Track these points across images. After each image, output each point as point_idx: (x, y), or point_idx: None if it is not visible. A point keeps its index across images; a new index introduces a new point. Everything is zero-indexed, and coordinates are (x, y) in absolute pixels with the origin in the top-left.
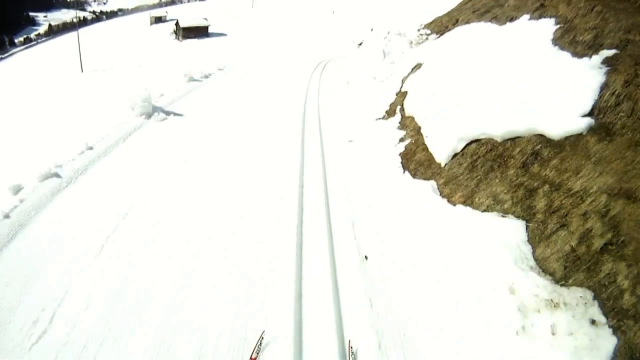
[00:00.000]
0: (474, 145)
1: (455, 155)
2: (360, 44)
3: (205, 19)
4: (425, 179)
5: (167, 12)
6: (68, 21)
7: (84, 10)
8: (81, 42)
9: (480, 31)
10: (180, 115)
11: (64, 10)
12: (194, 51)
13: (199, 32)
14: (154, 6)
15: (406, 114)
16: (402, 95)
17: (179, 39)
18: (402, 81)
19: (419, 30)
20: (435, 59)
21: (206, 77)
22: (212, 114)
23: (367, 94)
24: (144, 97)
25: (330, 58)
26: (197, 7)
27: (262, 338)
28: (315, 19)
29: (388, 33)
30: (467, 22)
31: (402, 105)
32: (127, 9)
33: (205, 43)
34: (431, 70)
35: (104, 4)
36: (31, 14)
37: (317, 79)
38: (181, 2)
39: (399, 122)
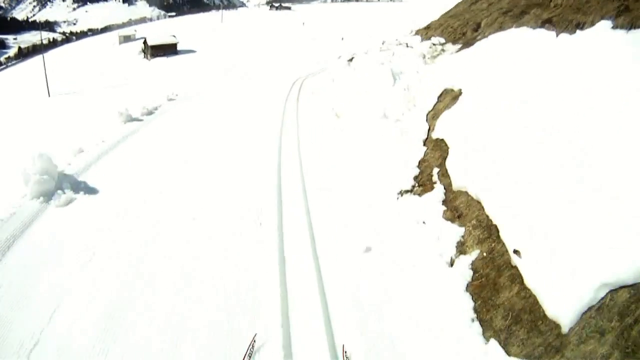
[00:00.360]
0: (624, 295)
1: (589, 308)
2: (351, 59)
3: (174, 36)
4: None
5: (135, 31)
6: (38, 43)
7: (54, 31)
8: (51, 64)
9: (532, 42)
10: (95, 191)
11: (34, 32)
12: (161, 70)
13: (168, 49)
14: (123, 25)
15: (454, 186)
16: (436, 146)
17: (147, 58)
18: (429, 120)
19: (419, 36)
20: (478, 83)
21: (150, 113)
22: (141, 184)
23: (374, 141)
24: (42, 167)
25: (306, 74)
26: (166, 24)
27: (254, 341)
28: (286, 31)
29: (383, 43)
30: (501, 28)
31: (443, 167)
32: (97, 29)
33: (173, 61)
34: (480, 103)
35: (74, 24)
36: (0, 36)
37: (294, 111)
38: (151, 20)
39: (444, 204)
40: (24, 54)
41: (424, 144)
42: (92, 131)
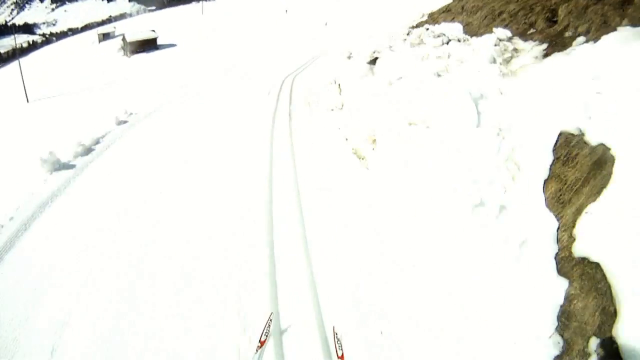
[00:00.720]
0: None
1: None
2: (374, 60)
3: (153, 30)
4: None
5: (115, 28)
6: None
7: (34, 33)
8: (31, 67)
9: None
10: None
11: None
12: (141, 68)
13: (148, 45)
14: (103, 22)
15: None
16: (584, 279)
17: (127, 55)
18: (557, 207)
19: (445, 23)
20: None
21: (87, 151)
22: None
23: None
24: None
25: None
26: (146, 19)
27: (271, 320)
28: (268, 19)
29: (408, 34)
30: (605, 24)
31: (607, 335)
32: (77, 28)
33: (154, 57)
34: None
35: (53, 25)
36: None
37: (286, 147)
38: (130, 16)
39: None
40: (4, 58)
41: (560, 271)
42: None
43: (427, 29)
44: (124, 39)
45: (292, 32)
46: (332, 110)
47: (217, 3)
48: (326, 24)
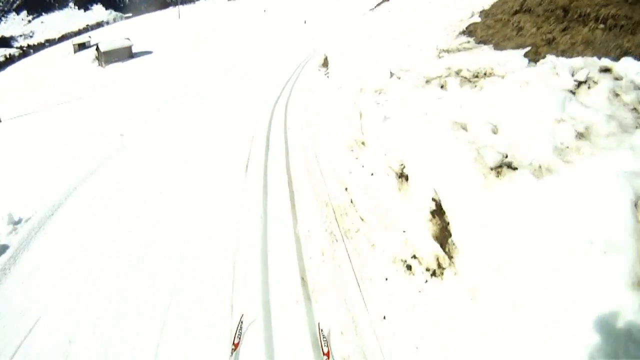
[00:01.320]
0: None
1: None
2: (385, 118)
3: (128, 38)
4: None
5: (90, 37)
6: None
7: (11, 47)
8: (8, 81)
9: None
10: None
11: None
12: (115, 79)
13: (122, 54)
14: (80, 32)
15: None
16: None
17: (102, 65)
18: None
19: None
20: None
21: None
22: None
23: None
24: None
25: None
26: (122, 27)
27: (242, 322)
28: (247, 21)
29: (439, 51)
30: None
31: None
32: (55, 39)
33: (128, 66)
34: None
35: (31, 37)
36: None
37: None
38: (107, 24)
39: None
40: None
41: None
42: None
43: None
44: (97, 49)
45: (273, 32)
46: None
47: (195, 6)
48: (305, 22)
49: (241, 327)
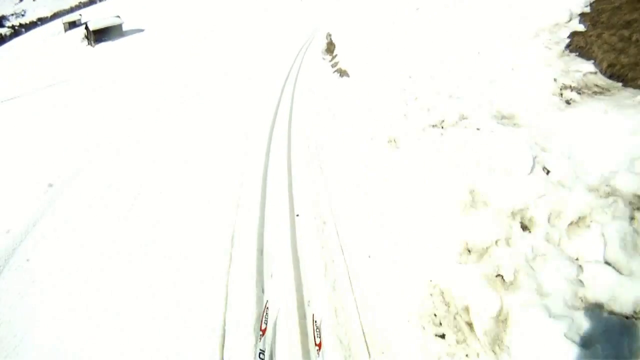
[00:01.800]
0: None
1: None
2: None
3: (118, 16)
4: None
5: (80, 15)
6: None
7: (3, 26)
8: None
9: None
10: None
11: None
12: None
13: (112, 32)
14: (72, 10)
15: None
16: None
17: (91, 44)
18: None
19: None
20: None
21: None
22: None
23: None
24: None
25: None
26: (114, 4)
27: (267, 308)
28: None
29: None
30: None
31: None
32: (47, 17)
33: (119, 45)
34: None
35: (22, 16)
36: None
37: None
38: (100, 1)
39: None
40: None
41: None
42: None
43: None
44: (86, 28)
45: (269, 8)
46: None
47: None
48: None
49: (267, 314)
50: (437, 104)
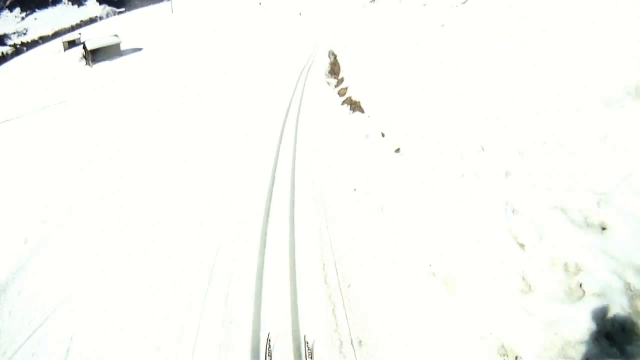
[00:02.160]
0: None
1: None
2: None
3: (116, 35)
4: None
5: (80, 34)
6: None
7: (4, 44)
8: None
9: None
10: None
11: None
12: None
13: (110, 52)
14: (73, 28)
15: None
16: None
17: (89, 64)
18: None
19: None
20: None
21: None
22: None
23: None
24: None
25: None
26: (113, 23)
27: (269, 340)
28: (242, 15)
29: None
30: None
31: None
32: (48, 36)
33: (116, 65)
34: None
35: (24, 34)
36: None
37: None
38: (101, 19)
39: None
40: None
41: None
42: None
43: None
44: (84, 47)
45: (268, 25)
46: None
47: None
48: (300, 14)
49: (269, 346)
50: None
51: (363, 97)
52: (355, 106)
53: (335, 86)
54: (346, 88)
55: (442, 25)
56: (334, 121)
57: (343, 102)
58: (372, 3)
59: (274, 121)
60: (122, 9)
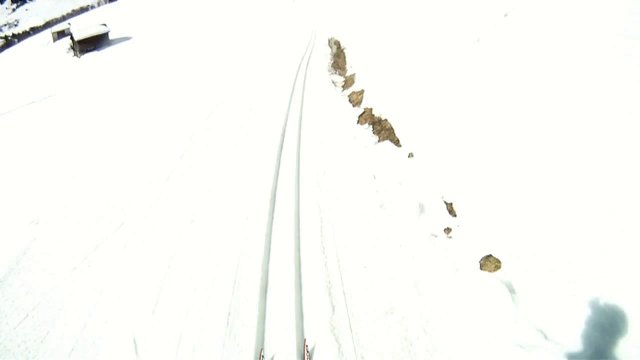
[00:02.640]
0: None
1: None
2: None
3: (104, 24)
4: None
5: (69, 25)
6: None
7: None
8: None
9: None
10: None
11: None
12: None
13: (98, 41)
14: (64, 18)
15: None
16: None
17: (77, 55)
18: None
19: None
20: None
21: None
22: None
23: None
24: None
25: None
26: (104, 12)
27: (263, 356)
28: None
29: None
30: None
31: None
32: (39, 26)
33: (105, 56)
34: None
35: (15, 26)
36: None
37: None
38: (93, 8)
39: None
40: None
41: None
42: None
43: None
44: (71, 37)
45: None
46: None
47: None
48: (294, 0)
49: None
50: None
51: (388, 109)
52: (381, 129)
53: (343, 87)
54: (361, 93)
55: (477, 40)
56: (350, 160)
57: (360, 118)
58: None
59: (266, 152)
60: None
